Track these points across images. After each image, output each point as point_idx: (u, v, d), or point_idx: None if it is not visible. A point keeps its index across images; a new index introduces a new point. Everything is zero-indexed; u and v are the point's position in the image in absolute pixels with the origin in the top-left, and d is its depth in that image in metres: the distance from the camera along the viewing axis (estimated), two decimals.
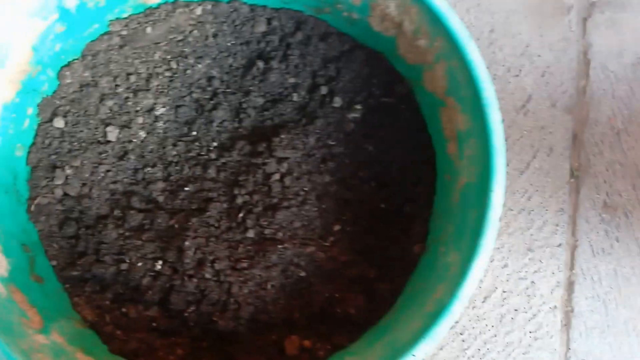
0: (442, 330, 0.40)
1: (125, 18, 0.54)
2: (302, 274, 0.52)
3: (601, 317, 0.70)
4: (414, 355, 0.40)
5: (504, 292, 0.70)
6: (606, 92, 0.75)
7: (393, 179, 0.55)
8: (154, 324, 0.51)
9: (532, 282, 0.70)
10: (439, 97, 0.50)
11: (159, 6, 0.54)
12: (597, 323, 0.70)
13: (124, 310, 0.51)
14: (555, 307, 0.70)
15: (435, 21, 0.44)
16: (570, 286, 0.71)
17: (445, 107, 0.49)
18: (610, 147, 0.74)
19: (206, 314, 0.50)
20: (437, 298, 0.43)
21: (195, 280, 0.50)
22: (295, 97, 0.56)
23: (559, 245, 0.71)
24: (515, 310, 0.70)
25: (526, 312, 0.70)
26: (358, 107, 0.55)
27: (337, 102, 0.55)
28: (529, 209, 0.71)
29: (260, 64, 0.56)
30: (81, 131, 0.54)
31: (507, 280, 0.71)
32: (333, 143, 0.55)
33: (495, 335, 0.70)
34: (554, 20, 0.77)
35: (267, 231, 0.52)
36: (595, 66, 0.76)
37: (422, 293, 0.44)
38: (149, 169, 0.54)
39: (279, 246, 0.51)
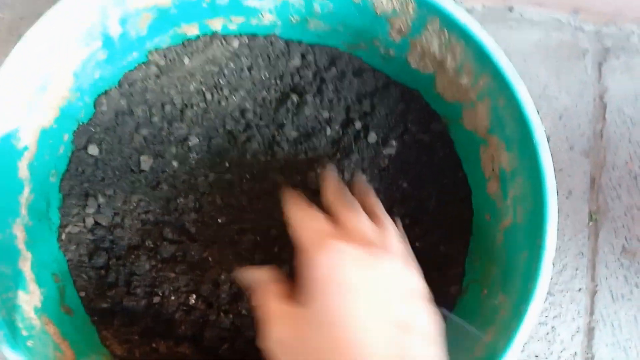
0: None
1: (164, 48, 0.53)
2: None
3: None
4: None
5: None
6: (623, 135, 0.76)
7: (428, 216, 0.54)
8: None
9: (553, 327, 0.70)
10: (480, 136, 0.49)
11: (197, 38, 0.54)
12: None
13: (154, 345, 0.49)
14: (575, 353, 0.69)
15: (482, 59, 0.44)
16: (590, 332, 0.70)
17: (487, 146, 0.49)
18: (628, 191, 0.74)
19: (241, 352, 0.48)
20: (487, 342, 0.42)
21: (230, 315, 0.49)
22: (329, 131, 0.55)
23: (579, 289, 0.71)
24: (536, 356, 0.69)
25: (547, 359, 0.69)
26: (393, 142, 0.55)
27: (372, 137, 0.55)
28: None
29: (295, 97, 0.55)
30: (115, 159, 0.53)
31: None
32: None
33: None
34: (571, 64, 0.78)
35: None
36: (611, 110, 0.77)
37: (467, 337, 0.43)
38: (181, 199, 0.53)
39: None
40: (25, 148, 0.46)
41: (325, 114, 0.55)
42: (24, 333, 0.40)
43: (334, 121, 0.56)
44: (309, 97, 0.55)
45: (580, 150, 0.75)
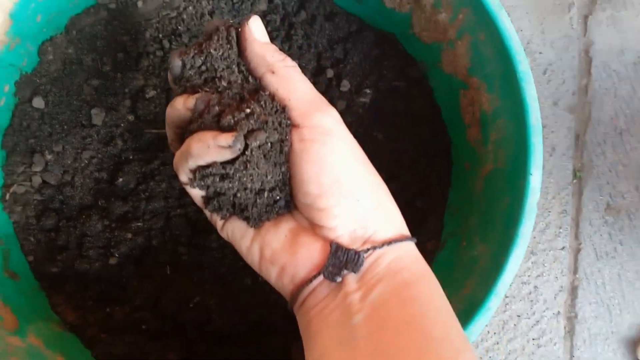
0: (477, 328, 0.36)
1: None
2: None
3: (605, 324, 0.68)
4: None
5: (507, 297, 0.68)
6: (608, 91, 0.74)
7: (405, 170, 0.51)
8: (144, 326, 0.45)
9: (535, 286, 0.68)
10: (460, 78, 0.46)
11: None
12: (601, 329, 0.67)
13: (108, 310, 0.46)
14: (558, 312, 0.67)
15: None
16: (573, 291, 0.68)
17: (467, 90, 0.45)
18: (613, 147, 0.72)
19: (204, 311, 0.45)
20: (467, 294, 0.39)
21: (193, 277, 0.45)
22: None
23: (562, 248, 0.69)
24: (518, 316, 0.67)
25: (529, 318, 0.67)
26: (367, 91, 0.51)
27: (345, 85, 0.51)
28: None
29: None
30: (63, 113, 0.48)
31: (510, 285, 0.68)
32: None
33: (498, 343, 0.67)
34: (555, 17, 0.75)
35: None
36: (597, 64, 0.74)
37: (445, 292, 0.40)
38: (139, 155, 0.49)
39: None
40: None
41: (295, 62, 0.51)
42: None
43: (305, 70, 0.51)
44: (276, 44, 0.51)
45: (564, 106, 0.73)
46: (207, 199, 0.37)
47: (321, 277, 0.34)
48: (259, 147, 0.33)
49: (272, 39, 0.51)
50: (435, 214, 0.50)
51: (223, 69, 0.35)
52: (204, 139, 0.34)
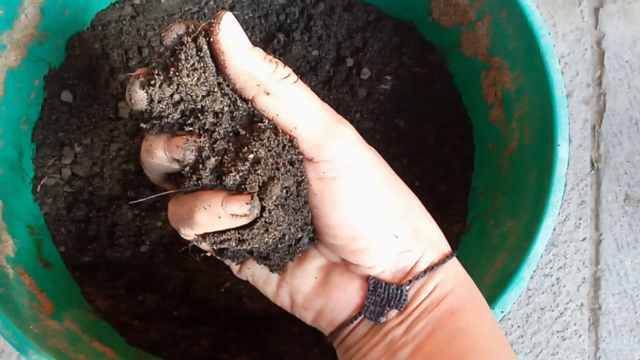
0: (511, 298, 0.36)
1: None
2: None
3: (630, 315, 0.67)
4: None
5: (529, 289, 0.67)
6: (622, 81, 0.74)
7: (427, 156, 0.51)
8: (175, 312, 0.46)
9: (558, 279, 0.68)
10: (481, 60, 0.46)
11: None
12: (625, 321, 0.67)
13: (140, 298, 0.46)
14: (582, 304, 0.67)
15: None
16: (596, 282, 0.68)
17: (488, 70, 0.46)
18: (629, 137, 0.72)
19: (235, 296, 0.45)
20: (498, 268, 0.39)
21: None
22: (319, 70, 0.52)
23: (583, 239, 0.69)
24: (542, 309, 0.67)
25: (553, 311, 0.67)
26: (388, 77, 0.51)
27: (365, 73, 0.51)
28: None
29: (281, 36, 0.52)
30: (91, 106, 0.49)
31: (532, 278, 0.68)
32: (361, 118, 0.51)
33: (522, 336, 0.67)
34: (566, 11, 0.76)
35: None
36: (609, 56, 0.75)
37: (475, 270, 0.40)
38: None
39: None
40: None
41: (315, 53, 0.52)
42: None
43: (325, 60, 0.52)
44: (296, 36, 0.52)
45: (579, 98, 0.73)
46: (218, 252, 0.33)
47: (362, 317, 0.32)
48: (276, 200, 0.28)
49: (292, 31, 0.52)
50: (459, 198, 0.50)
51: (203, 97, 0.28)
52: (211, 207, 0.28)
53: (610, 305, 0.68)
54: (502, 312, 0.36)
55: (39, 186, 0.47)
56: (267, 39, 0.53)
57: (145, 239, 0.47)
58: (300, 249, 0.32)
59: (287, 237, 0.31)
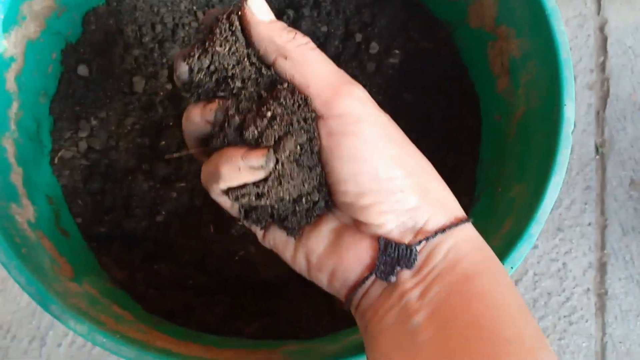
0: (519, 255, 0.37)
1: None
2: None
3: (636, 299, 0.68)
4: None
5: (536, 274, 0.68)
6: (625, 67, 0.75)
7: (434, 130, 0.52)
8: (191, 281, 0.47)
9: (564, 263, 0.68)
10: (487, 31, 0.47)
11: None
12: (632, 305, 0.68)
13: (155, 268, 0.47)
14: (588, 289, 0.68)
15: None
16: (602, 267, 0.69)
17: (495, 40, 0.47)
18: (633, 122, 0.73)
19: (249, 264, 0.46)
20: (506, 231, 0.40)
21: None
22: (328, 46, 0.53)
23: (589, 224, 0.70)
24: (548, 293, 0.68)
25: (559, 296, 0.68)
26: (396, 51, 0.52)
27: (374, 47, 0.52)
28: None
29: (291, 12, 0.53)
30: (106, 80, 0.50)
31: (538, 263, 0.69)
32: (370, 92, 0.52)
33: None
34: None
35: None
36: (612, 42, 0.76)
37: (484, 237, 0.41)
38: (178, 121, 0.51)
39: None
40: (12, 59, 0.43)
41: (324, 28, 0.53)
42: (17, 240, 0.38)
43: (333, 35, 0.53)
44: (305, 11, 0.53)
45: (582, 83, 0.74)
46: (244, 214, 0.35)
47: (373, 277, 0.32)
48: (289, 155, 0.31)
49: (301, 7, 0.53)
50: (467, 171, 0.51)
51: (234, 66, 0.32)
52: (233, 160, 0.31)
53: (616, 290, 0.68)
54: (512, 267, 0.37)
55: (56, 158, 0.48)
56: (277, 15, 0.54)
57: (160, 209, 0.48)
58: (316, 212, 0.34)
59: (303, 200, 0.33)
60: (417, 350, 0.29)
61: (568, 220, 0.70)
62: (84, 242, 0.47)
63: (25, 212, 0.41)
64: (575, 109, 0.38)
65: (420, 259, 0.31)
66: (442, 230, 0.32)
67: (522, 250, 0.37)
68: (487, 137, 0.50)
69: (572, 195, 0.70)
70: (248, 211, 0.35)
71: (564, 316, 0.67)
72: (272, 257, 0.45)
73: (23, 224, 0.40)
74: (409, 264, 0.31)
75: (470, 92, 0.52)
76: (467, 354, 0.28)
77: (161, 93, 0.51)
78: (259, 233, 0.37)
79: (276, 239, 0.36)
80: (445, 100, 0.52)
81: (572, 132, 0.38)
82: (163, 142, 0.50)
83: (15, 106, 0.44)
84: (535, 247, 0.69)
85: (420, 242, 0.31)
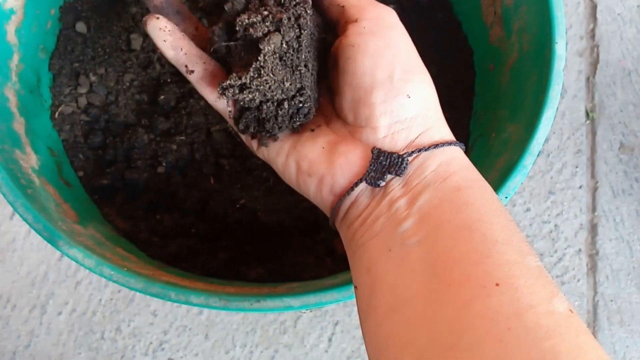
0: (514, 184, 0.38)
1: None
2: None
3: (626, 259, 0.69)
4: None
5: (528, 236, 0.69)
6: (614, 34, 0.76)
7: None
8: (193, 230, 0.47)
9: (556, 225, 0.70)
10: None
11: None
12: (622, 265, 0.69)
13: (158, 217, 0.48)
14: (580, 250, 0.69)
15: None
16: (593, 228, 0.70)
17: None
18: (623, 88, 0.74)
19: (250, 211, 0.47)
20: (501, 166, 0.40)
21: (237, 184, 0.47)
22: None
23: (580, 187, 0.71)
24: (541, 254, 0.69)
25: (552, 256, 0.69)
26: (391, 6, 0.53)
27: None
28: (547, 152, 0.71)
29: None
30: (104, 38, 0.51)
31: (531, 225, 0.70)
32: None
33: None
34: None
35: None
36: (601, 9, 0.77)
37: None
38: (176, 78, 0.51)
39: None
40: (12, 11, 0.44)
41: None
42: (23, 182, 0.39)
43: None
44: None
45: (573, 50, 0.75)
46: (236, 117, 0.36)
47: (363, 185, 0.33)
48: (274, 51, 0.32)
49: None
50: (461, 124, 0.52)
51: None
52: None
53: (607, 250, 0.69)
54: (507, 197, 0.38)
55: (56, 114, 0.49)
56: None
57: (161, 160, 0.48)
58: (299, 118, 0.35)
59: (286, 104, 0.34)
60: (406, 252, 0.30)
61: (559, 183, 0.71)
62: (87, 194, 0.48)
63: (28, 159, 0.42)
64: (566, 48, 0.39)
65: (411, 169, 0.32)
66: (435, 145, 0.32)
67: (516, 180, 0.38)
68: (481, 89, 0.51)
69: (564, 159, 0.72)
70: (239, 114, 0.35)
71: (557, 276, 0.69)
72: (272, 205, 0.46)
73: (27, 169, 0.41)
74: (399, 171, 0.32)
75: (464, 46, 0.53)
76: (457, 252, 0.28)
77: (158, 51, 0.52)
78: (254, 144, 0.37)
79: (270, 147, 0.36)
80: (439, 55, 0.53)
81: (562, 69, 0.39)
82: (162, 96, 0.50)
83: (16, 58, 0.45)
84: (528, 209, 0.70)
85: (412, 153, 0.32)
